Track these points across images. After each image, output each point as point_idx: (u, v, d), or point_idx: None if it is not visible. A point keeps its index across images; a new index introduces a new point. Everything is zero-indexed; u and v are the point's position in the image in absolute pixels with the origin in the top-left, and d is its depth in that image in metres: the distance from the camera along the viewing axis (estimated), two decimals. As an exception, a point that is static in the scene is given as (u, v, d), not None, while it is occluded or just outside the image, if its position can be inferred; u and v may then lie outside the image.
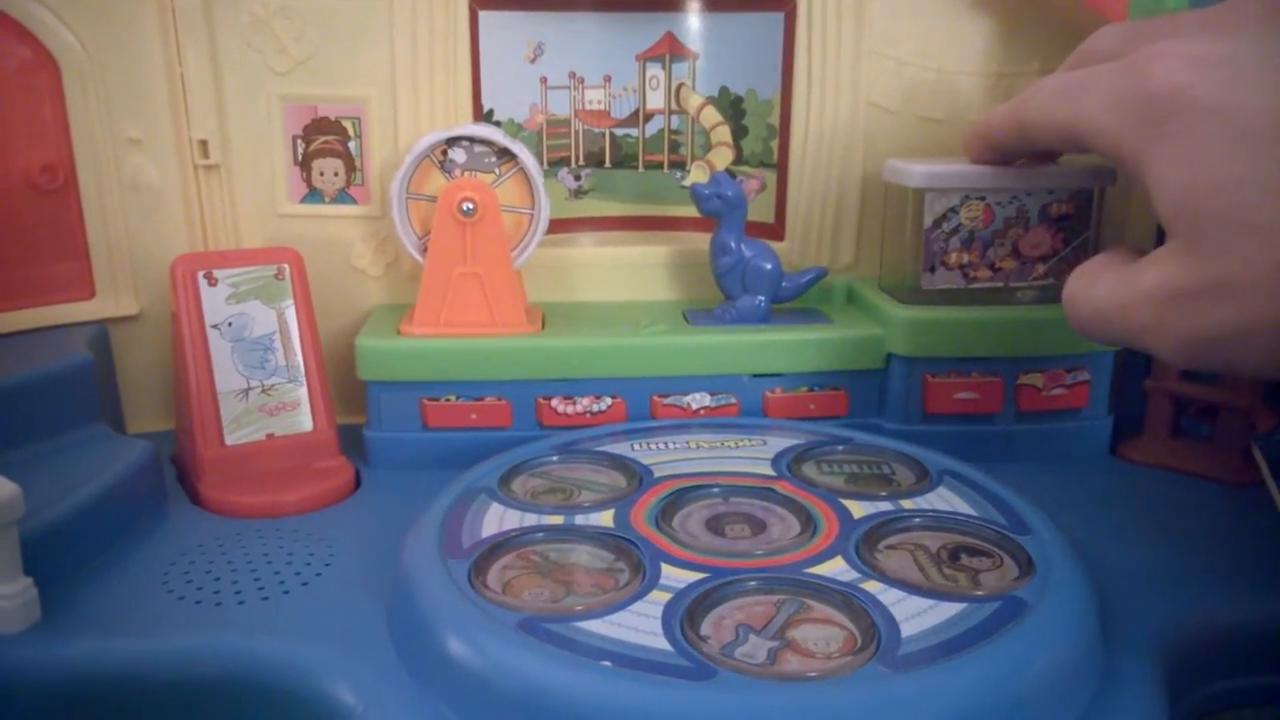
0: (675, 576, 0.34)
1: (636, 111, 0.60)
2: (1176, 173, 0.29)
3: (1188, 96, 0.29)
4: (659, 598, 0.33)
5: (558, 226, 0.58)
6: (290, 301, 0.51)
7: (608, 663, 0.29)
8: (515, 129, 0.59)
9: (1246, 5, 0.31)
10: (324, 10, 0.54)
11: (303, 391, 0.50)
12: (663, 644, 0.30)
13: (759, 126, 0.59)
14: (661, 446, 0.47)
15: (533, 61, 0.58)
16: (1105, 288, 0.34)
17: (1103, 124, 0.32)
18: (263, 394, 0.50)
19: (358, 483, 0.50)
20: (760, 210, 0.60)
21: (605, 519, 0.39)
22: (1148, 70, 0.30)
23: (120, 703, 0.35)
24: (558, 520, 0.39)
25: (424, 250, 0.52)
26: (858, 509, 0.40)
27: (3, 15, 0.50)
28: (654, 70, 0.59)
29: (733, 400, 0.53)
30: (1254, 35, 0.29)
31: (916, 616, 0.32)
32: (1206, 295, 0.29)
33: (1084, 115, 0.33)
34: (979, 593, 0.34)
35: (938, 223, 0.52)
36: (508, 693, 0.30)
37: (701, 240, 0.58)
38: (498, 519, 0.39)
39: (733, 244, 0.55)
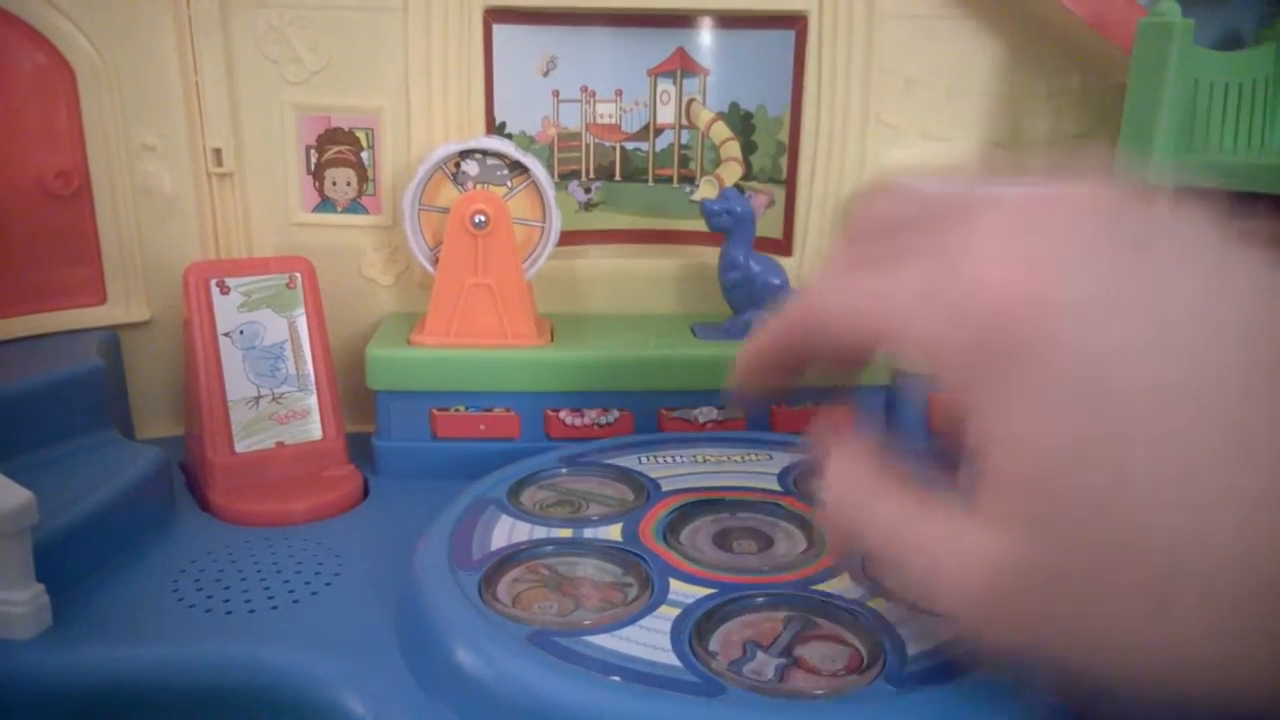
0: (683, 592, 0.35)
1: (647, 126, 0.60)
2: (1029, 432, 0.21)
3: (1039, 328, 0.20)
4: (667, 613, 0.33)
5: (567, 239, 0.58)
6: (301, 310, 0.51)
7: (617, 678, 0.30)
8: (527, 141, 0.59)
9: (1097, 204, 0.23)
10: (339, 21, 0.54)
11: (313, 400, 0.51)
12: (672, 659, 0.31)
13: (768, 142, 0.60)
14: (669, 460, 0.47)
15: (545, 75, 0.58)
16: (897, 521, 0.25)
17: (924, 340, 0.23)
18: (273, 402, 0.50)
19: (366, 491, 0.51)
20: (769, 226, 0.60)
21: (613, 533, 0.40)
22: (978, 280, 0.22)
23: (130, 710, 0.35)
24: (567, 534, 0.40)
25: (435, 261, 0.53)
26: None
27: (20, 22, 0.50)
28: (665, 85, 0.60)
29: (739, 414, 0.53)
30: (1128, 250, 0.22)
31: (923, 635, 0.32)
32: (1075, 598, 0.20)
33: (899, 326, 0.24)
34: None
35: (945, 242, 0.52)
36: (518, 706, 0.30)
37: (710, 254, 0.59)
38: (507, 531, 0.40)
39: (741, 259, 0.55)
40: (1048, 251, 0.21)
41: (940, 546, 0.23)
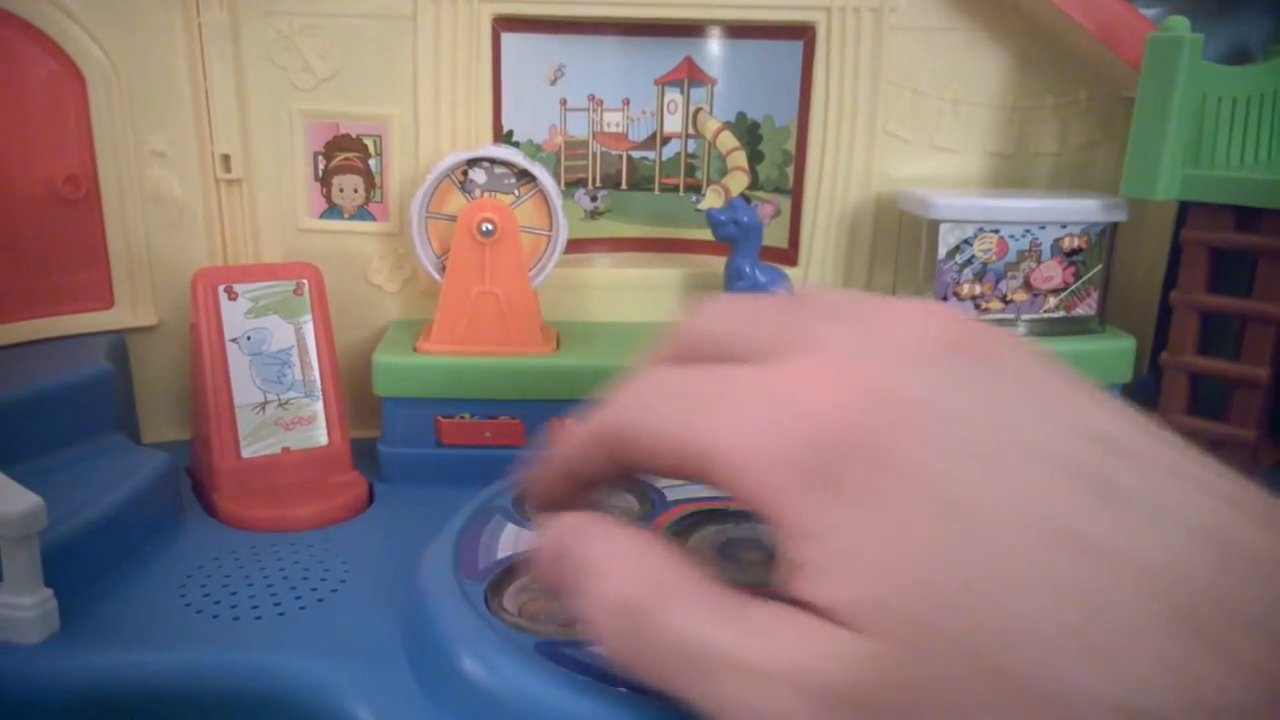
0: (690, 603, 0.35)
1: (654, 135, 0.60)
2: (874, 551, 0.19)
3: (878, 448, 0.19)
4: (674, 624, 0.33)
5: (573, 247, 0.58)
6: (308, 317, 0.51)
7: (624, 688, 0.30)
8: (534, 150, 0.59)
9: (931, 322, 0.22)
10: (348, 29, 0.55)
11: (319, 406, 0.51)
12: (678, 671, 0.31)
13: (775, 152, 0.60)
14: (674, 470, 0.47)
15: (553, 83, 0.59)
16: (701, 629, 0.21)
17: (745, 464, 0.20)
18: (279, 408, 0.50)
19: (371, 498, 0.51)
20: (775, 236, 0.60)
21: (619, 542, 0.40)
22: (810, 401, 0.20)
23: (137, 715, 0.35)
24: (572, 543, 0.40)
25: (442, 269, 0.53)
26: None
27: (31, 28, 0.50)
28: (672, 94, 0.60)
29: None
30: (956, 370, 0.20)
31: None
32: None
33: (719, 445, 0.21)
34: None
35: (951, 254, 0.52)
36: (524, 716, 0.30)
37: (716, 263, 0.59)
38: (513, 539, 0.40)
39: (747, 269, 0.55)
40: (884, 368, 0.20)
41: (757, 652, 0.19)
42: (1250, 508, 0.18)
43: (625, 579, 0.22)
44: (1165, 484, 0.18)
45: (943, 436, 0.19)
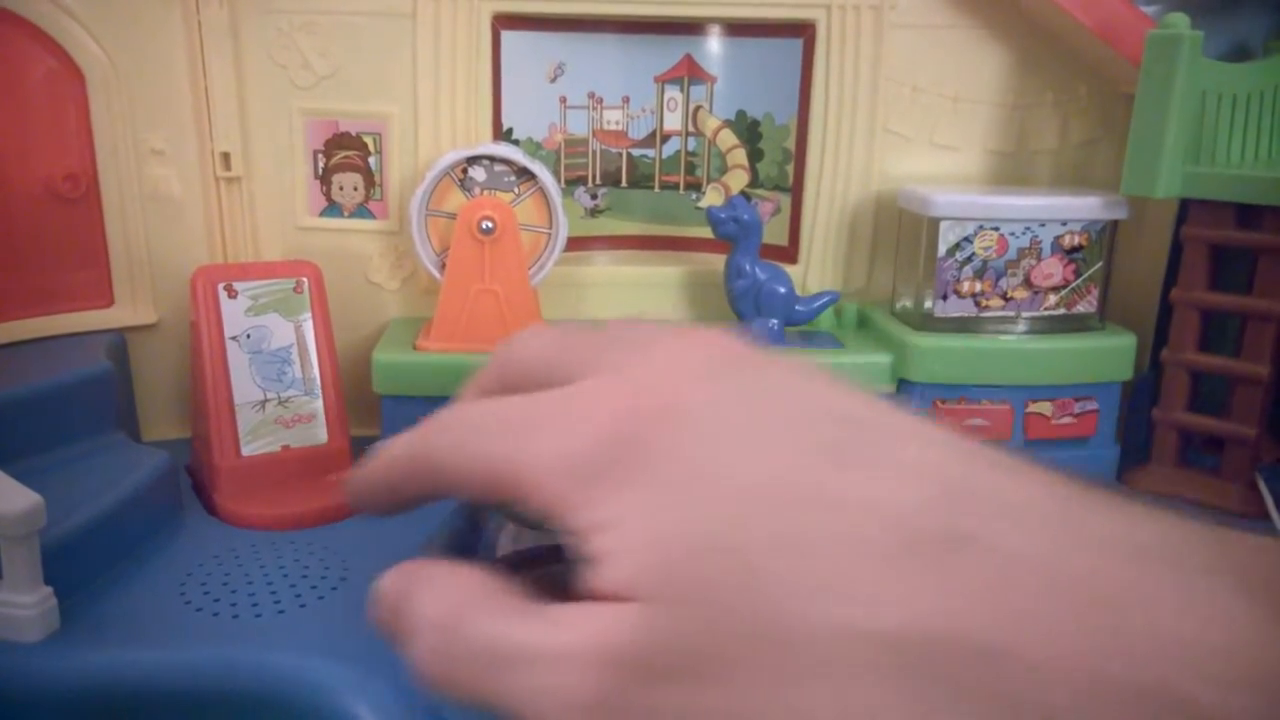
0: (689, 601, 0.35)
1: (654, 133, 0.60)
2: (642, 529, 0.21)
3: (646, 441, 0.22)
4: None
5: (573, 244, 0.58)
6: (308, 315, 0.51)
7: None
8: (534, 147, 0.59)
9: (710, 342, 0.24)
10: (348, 27, 0.55)
11: (319, 404, 0.51)
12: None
13: (775, 150, 0.60)
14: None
15: (553, 81, 0.59)
16: (502, 630, 0.22)
17: (541, 477, 0.23)
18: (279, 406, 0.50)
19: (371, 496, 0.51)
20: (774, 233, 0.60)
21: (619, 540, 0.40)
22: (594, 413, 0.23)
23: (136, 712, 0.35)
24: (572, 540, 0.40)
25: (442, 267, 0.53)
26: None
27: (31, 26, 0.50)
28: (672, 92, 0.60)
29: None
30: (731, 383, 0.23)
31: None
32: (700, 680, 0.20)
33: (520, 465, 0.23)
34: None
35: (951, 251, 0.52)
36: (524, 714, 0.30)
37: (715, 261, 0.59)
38: (511, 538, 0.40)
39: (747, 267, 0.55)
40: (659, 381, 0.23)
41: (548, 636, 0.21)
42: (979, 455, 0.21)
43: (433, 600, 0.23)
44: (895, 444, 0.21)
45: (701, 428, 0.21)
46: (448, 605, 0.23)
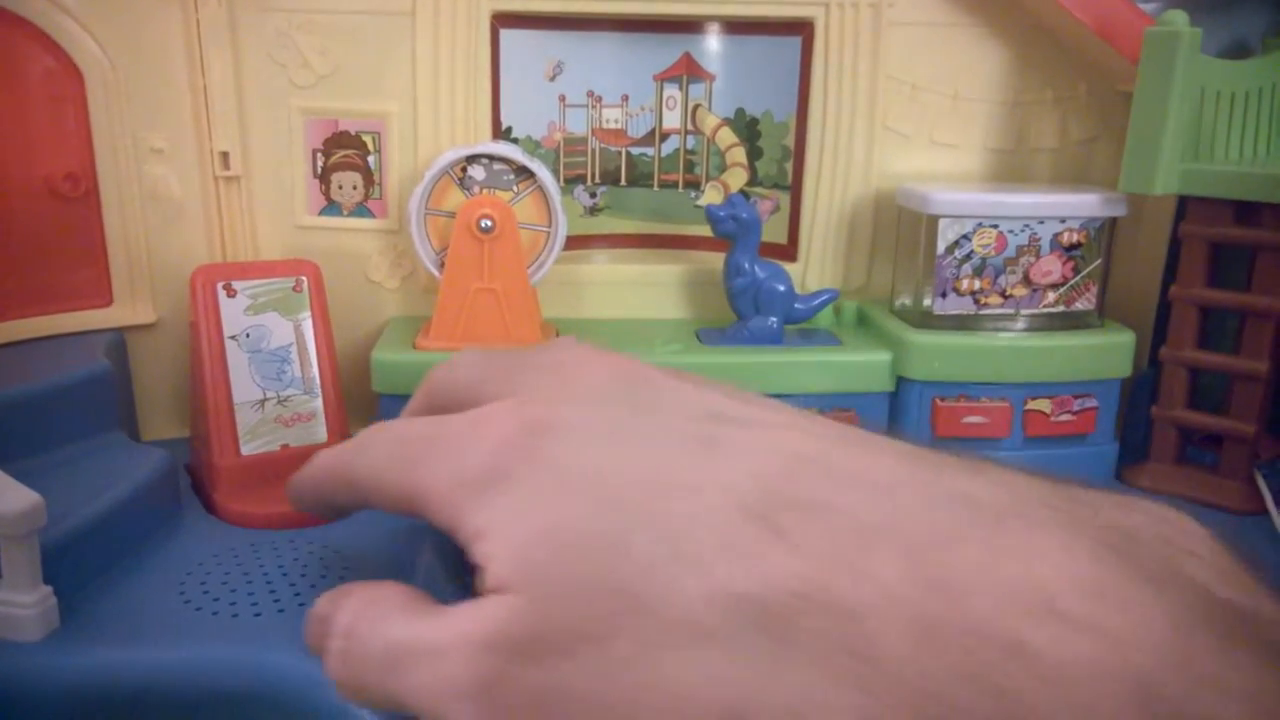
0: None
1: (653, 131, 0.60)
2: (520, 527, 0.22)
3: (530, 452, 0.23)
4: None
5: (572, 243, 0.58)
6: (308, 314, 0.51)
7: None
8: (533, 146, 0.59)
9: (594, 370, 0.27)
10: (347, 26, 0.55)
11: (318, 403, 0.51)
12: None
13: (774, 148, 0.60)
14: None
15: (552, 80, 0.59)
16: (398, 630, 0.24)
17: (440, 493, 0.25)
18: (278, 405, 0.50)
19: (370, 495, 0.51)
20: (773, 231, 0.60)
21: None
22: (488, 432, 0.24)
23: (136, 712, 0.35)
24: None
25: (441, 265, 0.53)
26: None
27: (29, 25, 0.50)
28: (671, 90, 0.60)
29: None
30: (599, 400, 0.25)
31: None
32: (555, 651, 0.21)
33: (422, 483, 0.25)
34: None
35: (950, 249, 0.52)
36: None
37: (715, 259, 0.59)
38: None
39: (746, 265, 0.55)
40: (553, 401, 0.25)
41: (432, 631, 0.23)
42: (837, 433, 0.23)
43: (345, 611, 0.25)
44: (759, 432, 0.23)
45: (580, 436, 0.23)
46: (353, 614, 0.25)
